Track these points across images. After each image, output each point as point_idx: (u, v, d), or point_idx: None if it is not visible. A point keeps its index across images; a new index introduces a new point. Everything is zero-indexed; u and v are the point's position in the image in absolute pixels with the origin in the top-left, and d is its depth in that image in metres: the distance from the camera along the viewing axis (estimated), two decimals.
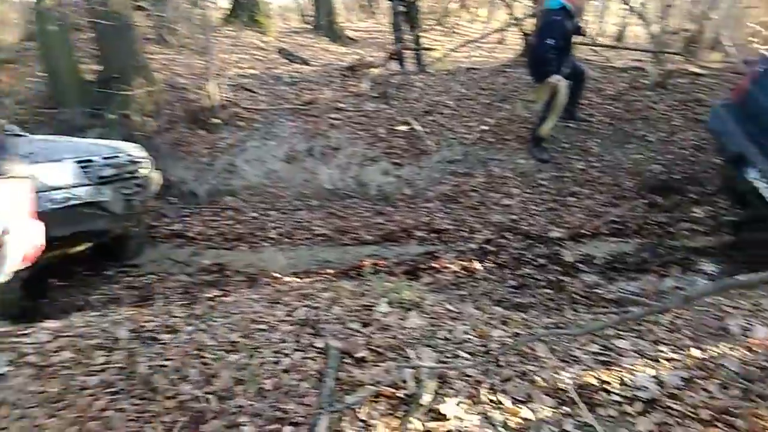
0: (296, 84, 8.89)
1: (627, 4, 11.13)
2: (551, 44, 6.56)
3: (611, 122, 7.54)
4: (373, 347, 2.76)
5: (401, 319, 3.06)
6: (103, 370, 2.65)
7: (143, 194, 5.19)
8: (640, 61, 9.35)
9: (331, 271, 5.26)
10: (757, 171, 3.96)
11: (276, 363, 2.69)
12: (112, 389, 2.52)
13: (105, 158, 4.78)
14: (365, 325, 3.00)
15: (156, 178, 5.52)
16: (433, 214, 6.34)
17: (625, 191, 6.42)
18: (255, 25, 12.60)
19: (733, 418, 2.14)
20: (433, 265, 5.22)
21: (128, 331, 2.99)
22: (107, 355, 2.77)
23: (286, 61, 10.66)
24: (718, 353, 2.59)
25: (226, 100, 7.97)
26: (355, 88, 8.34)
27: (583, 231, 5.76)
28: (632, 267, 5.15)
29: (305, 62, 10.71)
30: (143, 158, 5.36)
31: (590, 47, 9.80)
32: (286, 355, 2.75)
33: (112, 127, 7.26)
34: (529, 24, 9.94)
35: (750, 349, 2.62)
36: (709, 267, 4.91)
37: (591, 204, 6.23)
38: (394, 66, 9.29)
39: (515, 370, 2.53)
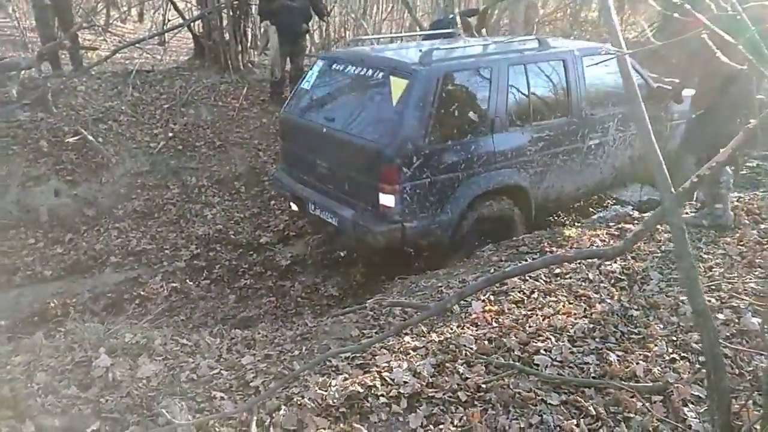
0: None
1: None
2: None
3: None
4: (106, 414, 2.25)
5: (131, 370, 2.58)
6: None
7: None
8: None
9: (4, 323, 4.22)
10: (313, 204, 4.65)
11: None
12: None
13: None
14: (86, 388, 2.43)
15: None
16: (127, 234, 5.62)
17: None
18: None
19: (486, 393, 2.36)
20: (140, 293, 4.61)
21: None
22: None
23: None
24: (453, 333, 2.84)
25: None
26: (0, 95, 6.83)
27: (289, 233, 5.82)
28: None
29: None
30: None
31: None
32: None
33: None
34: (198, 27, 9.60)
35: (475, 324, 2.95)
36: None
37: None
38: (47, 68, 7.91)
39: (279, 398, 2.35)
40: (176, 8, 9.61)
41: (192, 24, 9.50)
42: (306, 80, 4.99)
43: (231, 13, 8.59)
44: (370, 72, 4.38)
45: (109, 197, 6.12)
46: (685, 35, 1.52)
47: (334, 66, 4.77)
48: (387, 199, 4.01)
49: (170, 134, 7.01)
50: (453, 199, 4.19)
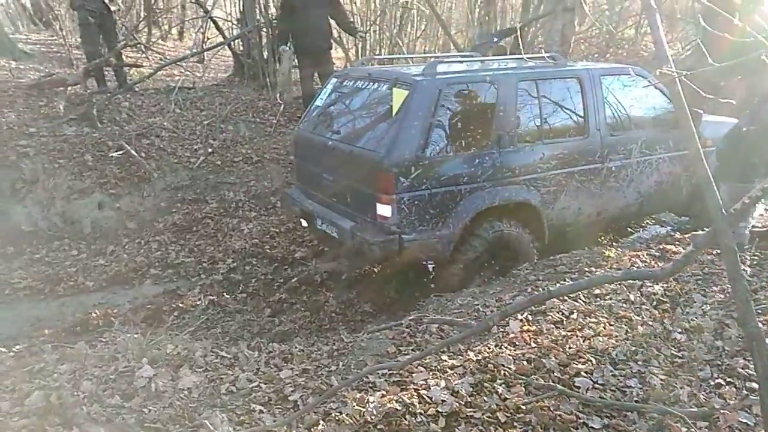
0: None
1: None
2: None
3: None
4: (149, 424, 2.29)
5: (173, 381, 2.63)
6: None
7: None
8: None
9: (48, 332, 4.33)
10: (320, 219, 4.70)
11: None
12: None
13: None
14: (130, 397, 2.49)
15: None
16: (167, 247, 5.75)
17: None
18: None
19: (525, 415, 2.34)
20: (179, 305, 4.70)
21: None
22: None
23: None
24: (491, 353, 2.82)
25: None
26: (47, 110, 7.09)
27: (324, 248, 5.85)
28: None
29: None
30: None
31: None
32: None
33: None
34: (237, 45, 9.84)
35: (513, 344, 2.92)
36: None
37: None
38: (92, 84, 8.21)
39: (318, 413, 2.36)
40: (217, 27, 9.87)
41: (232, 42, 9.75)
42: (320, 98, 5.08)
43: (269, 32, 8.79)
44: (376, 85, 4.44)
45: (150, 210, 6.28)
46: (750, 56, 1.51)
47: (344, 83, 4.85)
48: (384, 209, 3.95)
49: (210, 150, 7.18)
50: (455, 213, 4.08)
